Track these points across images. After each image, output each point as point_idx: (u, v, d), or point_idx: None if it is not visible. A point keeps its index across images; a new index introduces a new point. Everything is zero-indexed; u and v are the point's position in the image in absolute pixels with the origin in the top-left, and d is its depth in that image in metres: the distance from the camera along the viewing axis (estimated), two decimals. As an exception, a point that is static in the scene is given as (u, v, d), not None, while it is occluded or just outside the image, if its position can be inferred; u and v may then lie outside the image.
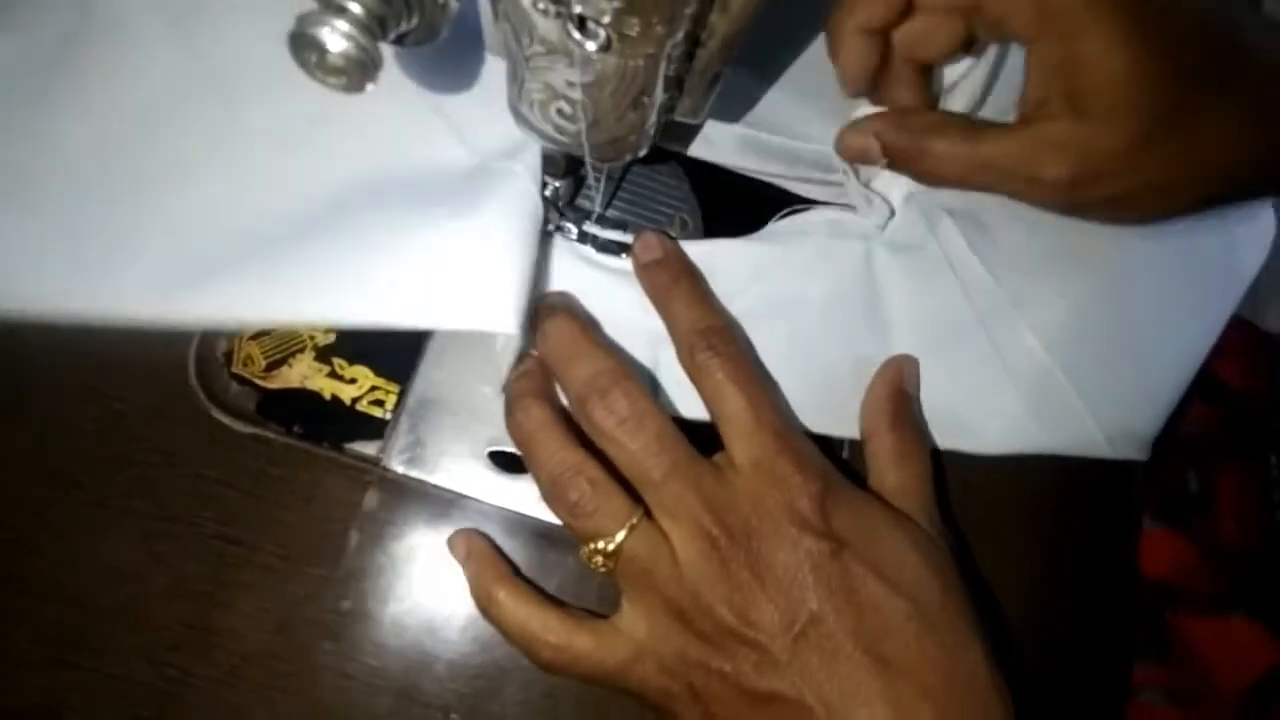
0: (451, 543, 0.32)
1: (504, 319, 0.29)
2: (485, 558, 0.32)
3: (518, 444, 0.30)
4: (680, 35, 0.22)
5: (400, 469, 0.33)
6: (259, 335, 0.33)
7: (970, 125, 0.31)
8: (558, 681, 0.32)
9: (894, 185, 0.35)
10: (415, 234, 0.30)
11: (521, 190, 0.30)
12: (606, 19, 0.21)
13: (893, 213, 0.35)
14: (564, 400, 0.31)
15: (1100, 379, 0.34)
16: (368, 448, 0.33)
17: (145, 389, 0.32)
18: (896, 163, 0.32)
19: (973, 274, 0.34)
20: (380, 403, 0.33)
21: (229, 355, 0.33)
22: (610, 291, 0.33)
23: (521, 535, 0.33)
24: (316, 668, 0.31)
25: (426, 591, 0.33)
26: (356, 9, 0.18)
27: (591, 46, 0.21)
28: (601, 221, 0.35)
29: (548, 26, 0.22)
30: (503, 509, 0.33)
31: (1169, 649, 0.41)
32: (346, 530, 0.33)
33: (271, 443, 0.33)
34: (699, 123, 0.28)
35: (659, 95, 0.24)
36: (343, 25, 0.18)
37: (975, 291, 0.34)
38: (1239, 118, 0.28)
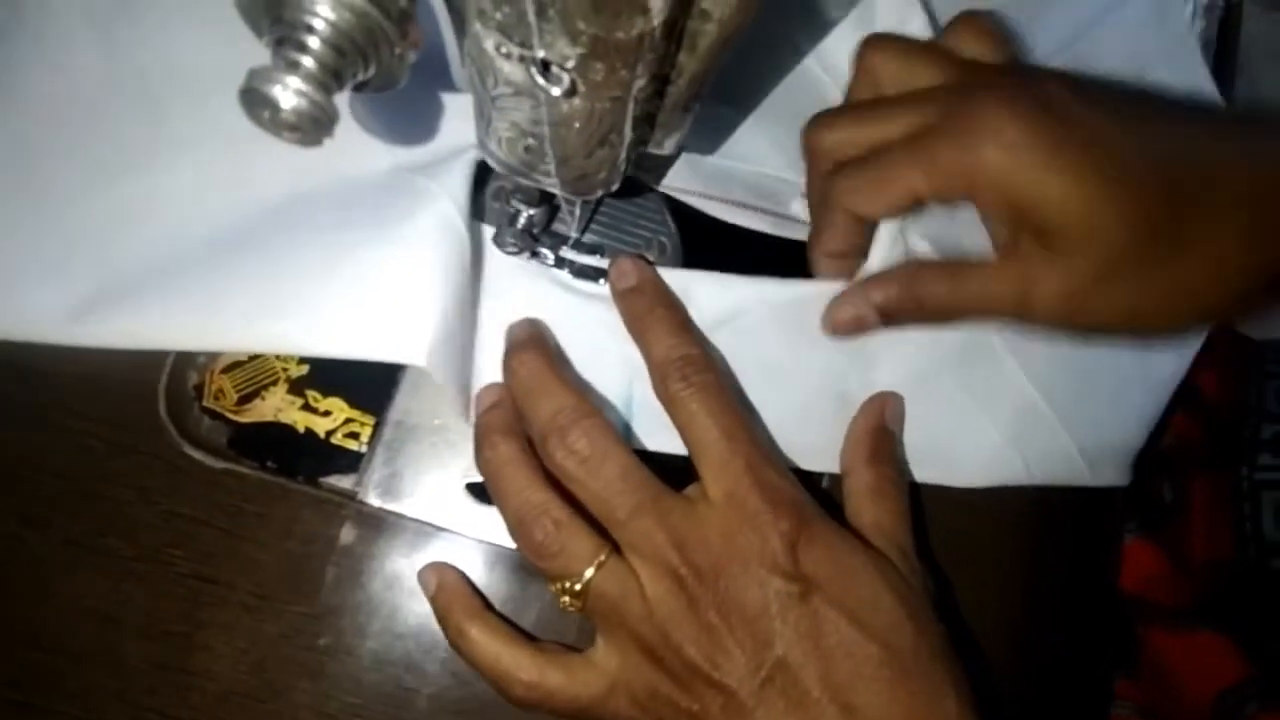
0: (421, 577, 0.32)
1: (413, 351, 0.28)
2: (456, 591, 0.31)
3: (485, 479, 0.30)
4: (646, 79, 0.21)
5: (376, 502, 0.32)
6: (230, 368, 0.33)
7: (951, 266, 0.30)
8: (540, 715, 0.32)
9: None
10: (331, 258, 0.29)
11: (442, 213, 0.29)
12: (570, 64, 0.20)
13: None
14: None
15: (1081, 406, 0.33)
16: (343, 481, 0.32)
17: (115, 424, 0.32)
18: (894, 321, 0.31)
19: None
20: (355, 435, 0.33)
21: (199, 389, 0.32)
22: (587, 318, 0.33)
23: (501, 567, 0.33)
24: (295, 706, 0.31)
25: (405, 626, 0.32)
26: (309, 64, 0.18)
27: (556, 92, 0.21)
28: (577, 246, 0.34)
29: (512, 70, 0.21)
30: (481, 540, 0.33)
31: (1140, 662, 0.42)
32: (323, 566, 0.32)
33: (245, 478, 0.32)
34: (672, 155, 0.28)
35: (628, 134, 0.24)
36: (295, 82, 0.17)
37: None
38: (1228, 238, 0.27)
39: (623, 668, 0.29)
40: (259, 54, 0.19)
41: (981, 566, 0.32)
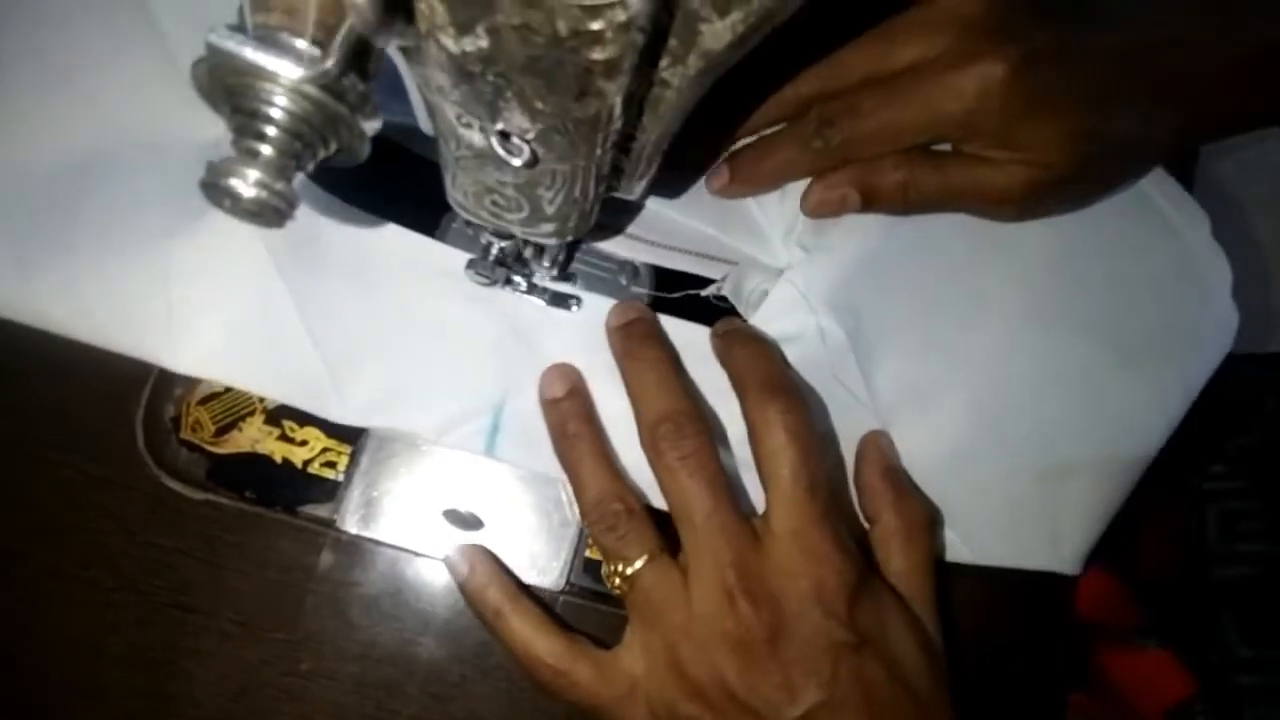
0: (450, 561, 0.32)
1: (172, 355, 0.30)
2: (491, 572, 0.32)
3: (565, 466, 0.31)
4: (609, 145, 0.21)
5: (354, 529, 0.33)
6: (207, 400, 0.33)
7: (933, 155, 0.33)
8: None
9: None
10: (120, 240, 0.31)
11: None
12: (530, 136, 0.20)
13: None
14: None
15: (1039, 497, 0.34)
16: (320, 509, 0.33)
17: (93, 457, 0.32)
18: (879, 203, 0.33)
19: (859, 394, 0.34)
20: (332, 464, 0.33)
21: (176, 421, 0.33)
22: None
23: (477, 591, 0.33)
24: (277, 731, 0.32)
25: (385, 650, 0.33)
26: (268, 152, 0.18)
27: (517, 162, 0.21)
28: (551, 273, 0.35)
29: (473, 137, 0.21)
30: (458, 566, 0.33)
31: (1093, 678, 0.43)
32: (303, 593, 0.33)
33: (224, 508, 0.33)
34: (638, 200, 0.28)
35: (593, 190, 0.24)
36: (254, 174, 0.18)
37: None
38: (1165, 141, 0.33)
39: (648, 674, 0.29)
40: None
41: (950, 588, 0.33)
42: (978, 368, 0.34)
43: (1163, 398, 0.35)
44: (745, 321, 0.34)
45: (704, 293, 0.36)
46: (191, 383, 0.33)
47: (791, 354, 0.34)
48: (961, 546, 0.35)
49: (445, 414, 0.33)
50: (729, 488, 0.29)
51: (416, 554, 0.33)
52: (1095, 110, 0.31)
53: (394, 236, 0.33)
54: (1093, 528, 0.35)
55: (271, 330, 0.32)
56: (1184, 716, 0.41)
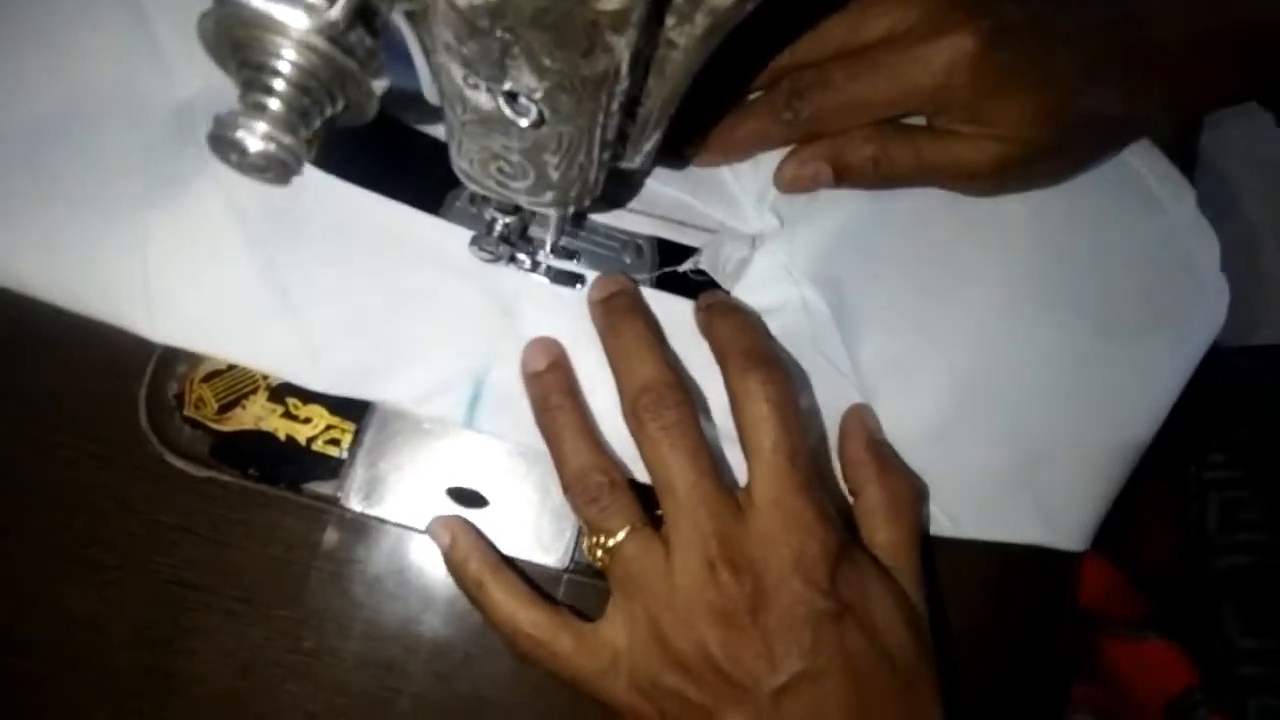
0: (432, 529, 0.32)
1: (149, 323, 0.30)
2: (472, 542, 0.32)
3: (546, 437, 0.31)
4: (615, 107, 0.21)
5: (358, 507, 0.33)
6: (210, 377, 0.33)
7: (905, 128, 0.33)
8: (522, 713, 0.33)
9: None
10: (95, 205, 0.30)
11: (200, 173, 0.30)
12: (538, 96, 0.20)
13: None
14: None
15: (1045, 468, 0.34)
16: (324, 487, 0.33)
17: (96, 436, 0.32)
18: (851, 177, 0.33)
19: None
20: (336, 441, 0.33)
21: (180, 398, 0.33)
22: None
23: (481, 569, 0.33)
24: (281, 708, 0.32)
25: (388, 628, 0.33)
26: (276, 106, 0.18)
27: (524, 123, 0.21)
28: (555, 251, 0.35)
29: (480, 99, 0.21)
30: (462, 544, 0.33)
31: (1096, 669, 0.43)
32: (306, 570, 0.33)
33: (227, 486, 0.32)
34: (642, 169, 0.28)
35: (598, 155, 0.24)
36: (261, 126, 0.18)
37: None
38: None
39: (630, 646, 0.29)
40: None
41: (953, 579, 0.33)
42: (960, 342, 0.34)
43: (1152, 371, 0.35)
44: (728, 294, 0.34)
45: (680, 269, 0.36)
46: (195, 360, 0.33)
47: (774, 325, 0.34)
48: (943, 519, 0.34)
49: (425, 383, 0.32)
50: (711, 458, 0.29)
51: (421, 532, 0.33)
52: (1067, 87, 0.31)
53: (376, 206, 0.33)
54: (1088, 504, 0.35)
55: (249, 298, 0.31)
56: (1185, 707, 0.40)
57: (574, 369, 0.33)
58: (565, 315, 0.33)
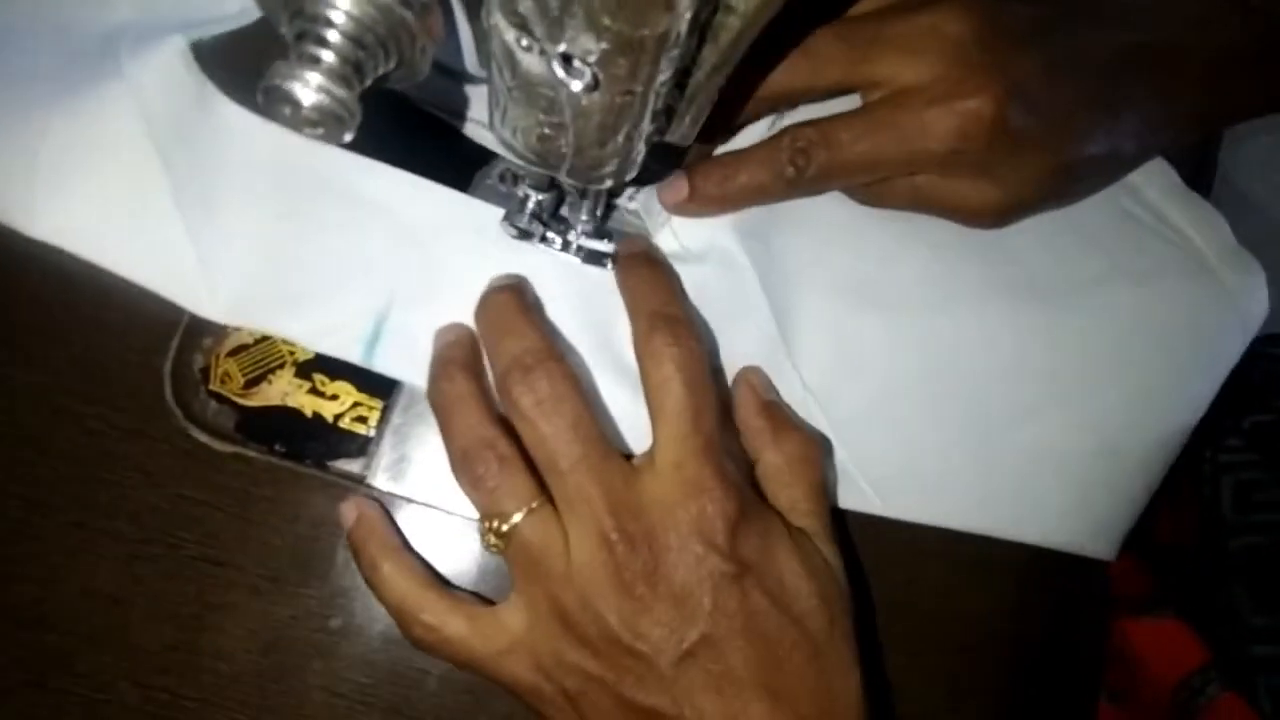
0: (341, 509, 0.32)
1: (28, 218, 0.29)
2: (374, 526, 0.31)
3: (436, 411, 0.29)
4: (668, 74, 0.21)
5: (385, 485, 0.32)
6: (235, 351, 0.32)
7: (865, 117, 0.31)
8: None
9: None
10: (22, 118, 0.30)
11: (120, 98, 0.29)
12: (593, 59, 0.20)
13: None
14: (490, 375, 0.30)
15: (1078, 471, 0.34)
16: (351, 465, 0.32)
17: (120, 408, 0.32)
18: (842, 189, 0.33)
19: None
20: (363, 419, 0.33)
21: (205, 372, 0.32)
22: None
23: (509, 550, 0.33)
24: (306, 687, 0.31)
25: (414, 608, 0.32)
26: (330, 59, 0.17)
27: (577, 86, 0.20)
28: (592, 229, 0.34)
29: (531, 62, 0.21)
30: (489, 524, 0.33)
31: (1109, 648, 0.43)
32: (333, 548, 0.32)
33: (253, 461, 0.32)
34: (685, 145, 0.27)
35: (646, 126, 0.23)
36: (315, 78, 0.17)
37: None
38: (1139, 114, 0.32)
39: (529, 629, 0.28)
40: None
41: (987, 569, 0.33)
42: (901, 314, 0.34)
43: (1177, 381, 0.36)
44: (650, 241, 0.33)
45: (618, 202, 0.35)
46: (221, 333, 0.32)
47: (695, 275, 0.32)
48: (873, 496, 0.34)
49: (322, 318, 0.31)
50: (595, 425, 0.28)
51: (448, 512, 0.33)
52: (1084, 139, 0.31)
53: (297, 143, 0.31)
54: (1088, 505, 0.35)
55: (143, 211, 0.30)
56: (1197, 685, 0.40)
57: (478, 343, 0.31)
58: (479, 255, 0.32)
